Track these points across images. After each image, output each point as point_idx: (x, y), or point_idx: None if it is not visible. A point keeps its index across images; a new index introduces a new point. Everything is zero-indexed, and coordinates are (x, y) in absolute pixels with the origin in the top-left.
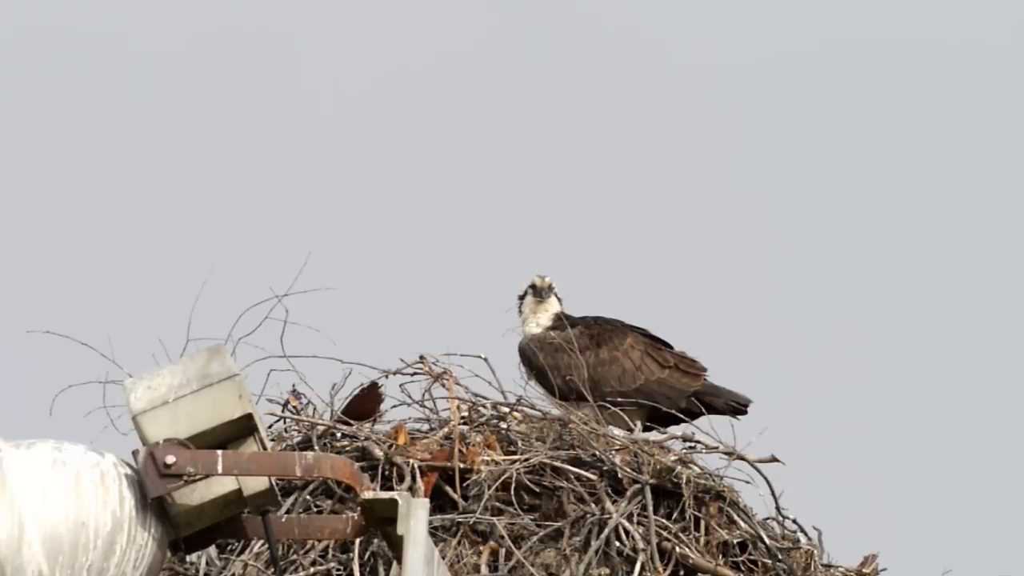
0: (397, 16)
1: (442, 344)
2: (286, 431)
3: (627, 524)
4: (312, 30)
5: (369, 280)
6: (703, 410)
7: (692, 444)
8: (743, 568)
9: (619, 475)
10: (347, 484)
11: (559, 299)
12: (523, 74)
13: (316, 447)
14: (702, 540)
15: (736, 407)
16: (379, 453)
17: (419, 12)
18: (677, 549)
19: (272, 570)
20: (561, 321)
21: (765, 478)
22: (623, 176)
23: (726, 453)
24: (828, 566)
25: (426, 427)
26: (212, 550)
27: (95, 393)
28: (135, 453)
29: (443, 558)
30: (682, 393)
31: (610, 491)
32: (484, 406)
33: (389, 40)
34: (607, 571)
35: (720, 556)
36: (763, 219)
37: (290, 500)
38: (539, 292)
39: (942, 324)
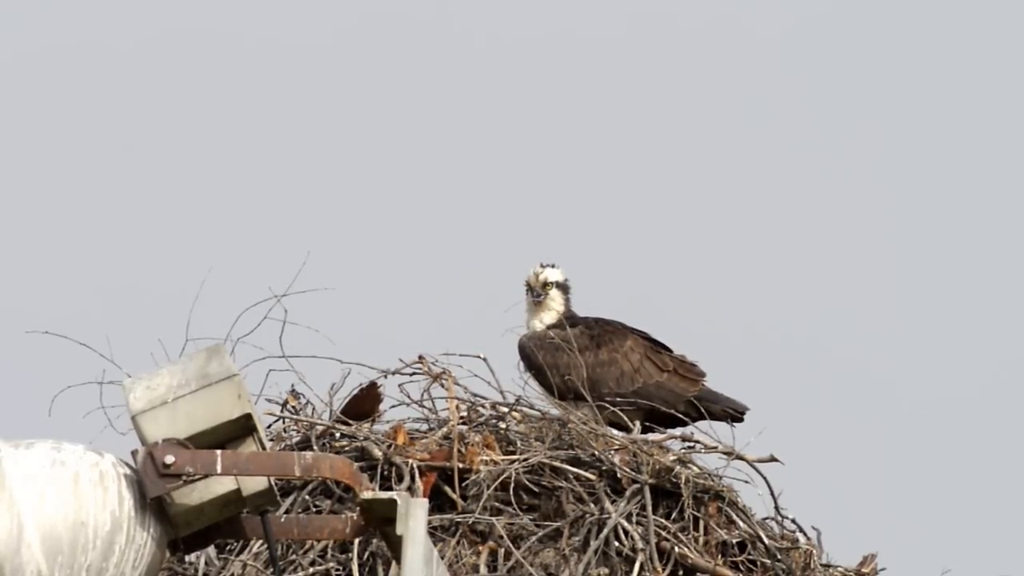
0: (393, 24)
1: (441, 344)
2: (285, 431)
3: (626, 524)
4: (306, 30)
5: (368, 280)
6: (703, 414)
7: (691, 444)
8: (742, 568)
9: (618, 475)
10: (346, 484)
11: (563, 289)
12: (519, 73)
13: (315, 447)
14: (701, 540)
15: (733, 414)
16: (378, 453)
17: (421, 17)
18: (676, 549)
19: (271, 570)
20: (564, 320)
21: (764, 478)
22: (624, 174)
23: (725, 453)
24: (827, 566)
25: (425, 427)
26: (211, 550)
27: (94, 393)
28: (134, 453)
29: (442, 558)
30: (680, 398)
31: (609, 491)
32: (483, 406)
33: (386, 41)
34: (606, 571)
35: (719, 556)
36: (761, 218)
37: (289, 500)
38: (533, 291)
39: (940, 323)
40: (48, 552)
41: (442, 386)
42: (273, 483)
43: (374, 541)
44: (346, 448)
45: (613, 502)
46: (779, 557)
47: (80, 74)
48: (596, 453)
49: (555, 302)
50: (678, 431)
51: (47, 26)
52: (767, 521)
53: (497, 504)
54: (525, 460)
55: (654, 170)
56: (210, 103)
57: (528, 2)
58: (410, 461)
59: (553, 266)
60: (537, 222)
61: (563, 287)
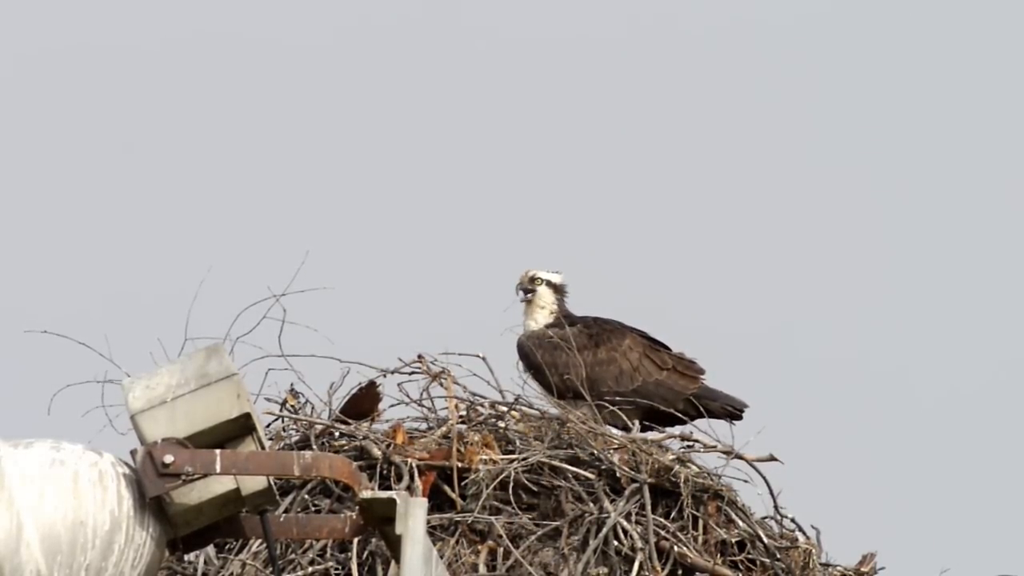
0: (393, 23)
1: (440, 343)
2: (284, 430)
3: (625, 523)
4: (306, 30)
5: (367, 279)
6: (702, 412)
7: (690, 443)
8: (741, 567)
9: (617, 474)
10: (345, 483)
11: (555, 288)
12: (519, 74)
13: (314, 446)
14: (700, 539)
15: (732, 411)
16: (377, 452)
17: (421, 17)
18: (675, 548)
19: (270, 569)
20: (562, 319)
21: (763, 477)
22: (624, 174)
23: (724, 452)
24: (826, 565)
25: (424, 426)
26: (210, 549)
27: (93, 393)
28: (133, 452)
29: (441, 557)
30: (679, 395)
31: (608, 490)
32: (482, 405)
33: (387, 41)
34: (605, 570)
35: (718, 555)
36: (761, 217)
37: (288, 499)
38: (520, 287)
39: (940, 322)
40: (47, 551)
41: (441, 385)
42: (272, 482)
43: (373, 540)
44: (345, 447)
45: (612, 501)
46: (778, 556)
47: (80, 75)
48: (595, 452)
49: (544, 299)
50: (677, 430)
51: (47, 27)
52: (766, 520)
53: (496, 503)
54: (524, 459)
55: (654, 170)
56: (210, 103)
57: (529, 2)
58: (409, 460)
59: (558, 272)
60: (537, 222)
61: (555, 286)
